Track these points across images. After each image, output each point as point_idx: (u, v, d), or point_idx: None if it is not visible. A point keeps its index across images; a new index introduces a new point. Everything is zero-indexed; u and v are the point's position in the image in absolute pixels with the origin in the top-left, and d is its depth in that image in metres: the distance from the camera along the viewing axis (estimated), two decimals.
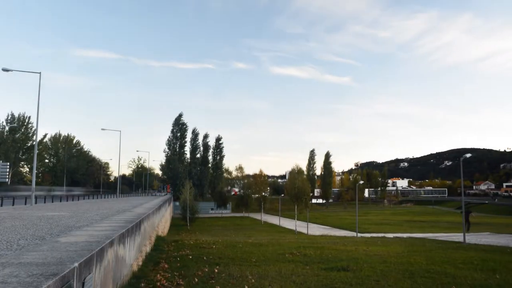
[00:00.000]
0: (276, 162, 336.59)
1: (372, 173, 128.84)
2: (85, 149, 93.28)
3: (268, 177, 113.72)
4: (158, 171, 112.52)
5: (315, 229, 40.56)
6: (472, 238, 26.71)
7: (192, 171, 79.43)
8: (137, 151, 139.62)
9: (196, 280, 8.81)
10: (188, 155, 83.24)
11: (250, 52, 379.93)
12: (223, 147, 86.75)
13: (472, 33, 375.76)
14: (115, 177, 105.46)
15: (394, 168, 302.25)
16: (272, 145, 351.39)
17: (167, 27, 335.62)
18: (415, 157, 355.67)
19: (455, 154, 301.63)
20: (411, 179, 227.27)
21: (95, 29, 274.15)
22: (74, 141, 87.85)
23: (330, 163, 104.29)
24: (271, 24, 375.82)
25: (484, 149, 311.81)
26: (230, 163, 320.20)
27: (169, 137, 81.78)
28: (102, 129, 62.74)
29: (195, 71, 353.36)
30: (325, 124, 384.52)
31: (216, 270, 10.08)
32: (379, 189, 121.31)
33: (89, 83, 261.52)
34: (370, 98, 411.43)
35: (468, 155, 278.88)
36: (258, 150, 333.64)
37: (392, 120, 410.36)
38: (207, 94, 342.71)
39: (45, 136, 78.47)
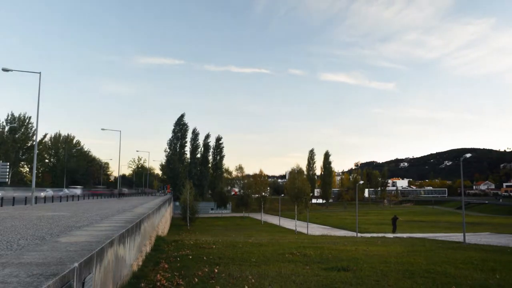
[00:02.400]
0: (276, 162, 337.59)
1: (372, 173, 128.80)
2: (85, 149, 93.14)
3: (268, 177, 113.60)
4: (158, 171, 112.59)
5: (315, 229, 40.56)
6: (472, 238, 26.72)
7: (192, 171, 79.39)
8: (137, 151, 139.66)
9: (196, 280, 8.81)
10: (188, 155, 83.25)
11: (306, 58, 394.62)
12: (223, 147, 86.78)
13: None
14: (115, 177, 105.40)
15: (394, 168, 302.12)
16: (273, 147, 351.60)
17: (230, 34, 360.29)
18: (415, 157, 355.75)
19: (455, 154, 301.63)
20: (411, 179, 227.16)
21: (160, 37, 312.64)
22: (74, 141, 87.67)
23: (329, 163, 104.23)
24: (330, 33, 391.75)
25: (484, 149, 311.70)
26: (245, 164, 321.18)
27: (170, 137, 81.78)
28: (102, 129, 62.83)
29: (247, 75, 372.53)
30: (326, 125, 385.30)
31: (216, 270, 10.08)
32: (379, 189, 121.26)
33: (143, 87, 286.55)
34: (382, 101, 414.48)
35: (468, 155, 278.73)
36: (260, 152, 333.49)
37: (394, 120, 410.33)
38: (211, 96, 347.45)
39: (45, 136, 78.40)
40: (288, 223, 47.99)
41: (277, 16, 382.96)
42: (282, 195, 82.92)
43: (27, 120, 67.91)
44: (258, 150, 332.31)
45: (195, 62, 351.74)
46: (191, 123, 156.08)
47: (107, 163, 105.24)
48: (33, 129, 66.63)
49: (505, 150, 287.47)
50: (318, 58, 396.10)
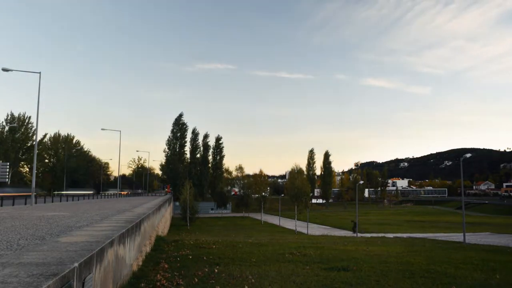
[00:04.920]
0: (276, 162, 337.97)
1: (372, 173, 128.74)
2: (85, 149, 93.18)
3: (268, 177, 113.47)
4: (158, 171, 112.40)
5: (315, 229, 40.58)
6: (472, 238, 26.74)
7: (192, 171, 79.32)
8: (137, 151, 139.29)
9: (196, 280, 8.81)
10: (188, 155, 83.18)
11: (353, 64, 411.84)
12: (223, 147, 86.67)
13: None
14: (115, 177, 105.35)
15: (394, 168, 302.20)
16: (272, 146, 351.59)
17: (281, 42, 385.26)
18: (415, 157, 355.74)
19: (455, 154, 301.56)
20: (411, 179, 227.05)
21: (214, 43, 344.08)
22: (74, 141, 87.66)
23: (329, 162, 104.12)
24: (378, 41, 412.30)
25: (484, 149, 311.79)
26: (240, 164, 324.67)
27: (169, 137, 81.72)
28: (102, 129, 62.88)
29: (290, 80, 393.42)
30: (326, 124, 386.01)
31: (216, 270, 10.08)
32: (379, 189, 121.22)
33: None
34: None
35: (468, 155, 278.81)
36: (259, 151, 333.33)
37: (393, 120, 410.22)
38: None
39: (45, 136, 78.38)
40: (288, 223, 47.98)
41: (331, 25, 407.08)
42: (282, 195, 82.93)
43: (27, 120, 67.93)
44: (258, 150, 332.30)
45: (246, 67, 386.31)
46: (191, 123, 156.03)
47: (107, 163, 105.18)
48: (33, 129, 66.65)
49: (505, 150, 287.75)
50: (364, 64, 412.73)
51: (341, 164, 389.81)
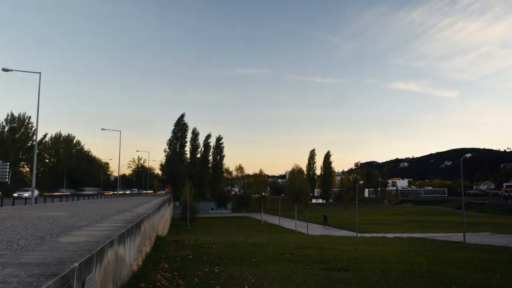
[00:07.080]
0: (276, 162, 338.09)
1: (372, 173, 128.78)
2: (85, 149, 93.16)
3: (268, 177, 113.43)
4: (158, 171, 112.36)
5: (315, 229, 40.59)
6: (472, 238, 26.75)
7: (192, 171, 79.30)
8: (137, 151, 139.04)
9: (196, 280, 8.81)
10: (188, 155, 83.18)
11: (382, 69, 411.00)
12: (223, 147, 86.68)
13: None
14: (115, 177, 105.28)
15: (394, 168, 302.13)
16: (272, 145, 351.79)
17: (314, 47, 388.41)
18: (415, 157, 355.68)
19: (455, 154, 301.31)
20: (411, 179, 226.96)
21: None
22: (74, 141, 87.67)
23: (330, 163, 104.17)
24: (412, 47, 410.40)
25: (484, 149, 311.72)
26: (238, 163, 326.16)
27: (170, 137, 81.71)
28: (102, 129, 62.68)
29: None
30: (327, 124, 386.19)
31: (216, 270, 10.08)
32: (379, 189, 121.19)
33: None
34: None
35: (468, 155, 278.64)
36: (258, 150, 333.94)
37: (392, 120, 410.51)
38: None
39: (45, 136, 78.26)
40: (288, 223, 47.97)
41: (368, 33, 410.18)
42: (282, 195, 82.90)
43: (27, 120, 67.86)
44: (258, 150, 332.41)
45: (279, 72, 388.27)
46: (192, 123, 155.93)
47: (107, 163, 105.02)
48: (33, 129, 66.60)
49: (505, 150, 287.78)
50: (393, 68, 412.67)
51: (341, 164, 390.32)
